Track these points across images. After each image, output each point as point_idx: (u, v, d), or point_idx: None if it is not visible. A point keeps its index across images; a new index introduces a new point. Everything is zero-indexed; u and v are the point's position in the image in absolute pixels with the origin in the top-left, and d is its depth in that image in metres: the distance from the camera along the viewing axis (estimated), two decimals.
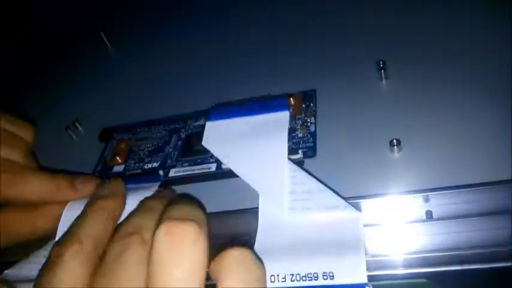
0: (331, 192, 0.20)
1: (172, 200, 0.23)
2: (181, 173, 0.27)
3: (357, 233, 0.18)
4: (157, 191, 0.25)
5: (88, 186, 0.25)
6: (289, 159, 0.23)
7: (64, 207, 0.24)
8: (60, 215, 0.24)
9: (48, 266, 0.18)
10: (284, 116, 0.24)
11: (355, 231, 0.18)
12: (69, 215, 0.24)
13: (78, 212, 0.23)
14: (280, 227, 0.19)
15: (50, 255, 0.18)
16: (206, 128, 0.26)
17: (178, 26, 0.42)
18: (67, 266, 0.18)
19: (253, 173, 0.22)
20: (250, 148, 0.23)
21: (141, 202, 0.22)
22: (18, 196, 0.23)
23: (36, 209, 0.24)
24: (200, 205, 0.24)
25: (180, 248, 0.16)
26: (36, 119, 0.37)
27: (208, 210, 0.24)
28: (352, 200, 0.21)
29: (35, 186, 0.23)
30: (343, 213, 0.19)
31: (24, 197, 0.23)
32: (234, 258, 0.16)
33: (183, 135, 0.30)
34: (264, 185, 0.21)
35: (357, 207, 0.20)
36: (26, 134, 0.25)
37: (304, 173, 0.22)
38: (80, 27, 0.49)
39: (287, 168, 0.21)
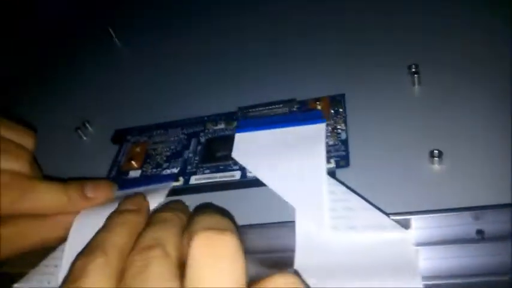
0: (375, 209, 0.19)
1: (185, 210, 0.22)
2: (203, 181, 0.26)
3: (408, 256, 0.17)
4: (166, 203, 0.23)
5: (99, 194, 0.24)
6: None
7: (74, 216, 0.23)
8: (70, 224, 0.23)
9: (71, 279, 0.17)
10: (320, 128, 0.23)
11: (406, 253, 0.17)
12: (81, 224, 0.23)
13: (90, 221, 0.22)
14: (320, 247, 0.18)
15: (73, 268, 0.17)
16: (236, 140, 0.24)
17: (197, 21, 0.40)
18: (92, 279, 0.17)
19: (288, 188, 0.20)
20: (285, 161, 0.21)
21: (154, 213, 0.21)
22: (28, 210, 0.22)
23: (45, 219, 0.23)
24: (228, 214, 0.22)
25: (221, 262, 0.15)
26: (44, 119, 0.36)
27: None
28: (394, 217, 0.20)
29: (46, 199, 0.22)
30: (391, 234, 0.18)
31: (35, 210, 0.22)
32: (281, 285, 0.14)
33: (202, 140, 0.29)
34: (301, 201, 0.20)
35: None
36: (27, 141, 0.24)
37: (344, 189, 0.20)
38: (86, 23, 0.47)
39: (326, 183, 0.20)
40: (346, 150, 0.24)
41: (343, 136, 0.25)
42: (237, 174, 0.25)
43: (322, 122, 0.23)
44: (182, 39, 0.39)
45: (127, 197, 0.23)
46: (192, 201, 0.25)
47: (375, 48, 0.30)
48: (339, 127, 0.26)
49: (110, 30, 0.42)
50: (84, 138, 0.33)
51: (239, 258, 0.15)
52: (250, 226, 0.23)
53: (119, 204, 0.22)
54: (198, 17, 0.41)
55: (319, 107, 0.27)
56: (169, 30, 0.41)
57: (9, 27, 0.50)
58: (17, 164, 0.22)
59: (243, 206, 0.24)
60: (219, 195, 0.25)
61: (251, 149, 0.23)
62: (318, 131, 0.22)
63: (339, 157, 0.24)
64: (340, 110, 0.27)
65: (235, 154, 0.24)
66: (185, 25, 0.40)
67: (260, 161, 0.22)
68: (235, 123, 0.29)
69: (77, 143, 0.33)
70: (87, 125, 0.34)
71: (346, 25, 0.33)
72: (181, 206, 0.23)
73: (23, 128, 0.24)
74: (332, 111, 0.27)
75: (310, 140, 0.22)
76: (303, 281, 0.15)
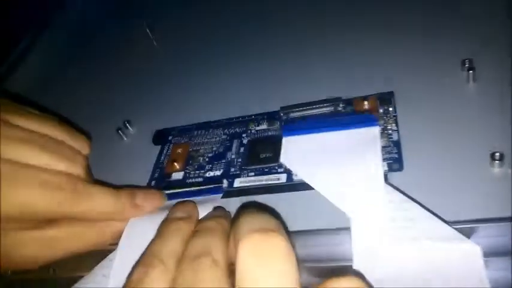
0: (437, 219, 0.18)
1: (227, 217, 0.22)
2: (248, 184, 0.25)
3: (476, 269, 0.16)
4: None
5: (150, 203, 0.24)
6: None
7: (123, 224, 0.23)
8: (118, 232, 0.23)
9: None
10: (374, 131, 0.21)
11: (473, 266, 0.16)
12: (131, 233, 0.23)
13: (140, 230, 0.23)
14: (380, 259, 0.17)
15: (132, 277, 0.18)
16: (283, 144, 0.24)
17: (236, 17, 0.40)
18: None
19: (342, 195, 0.20)
20: (337, 167, 0.21)
21: (198, 223, 0.21)
22: (81, 214, 0.22)
23: (95, 224, 0.23)
24: (274, 213, 0.22)
25: (271, 263, 0.15)
26: (85, 119, 0.36)
27: None
28: (455, 226, 0.18)
29: (98, 204, 0.22)
30: (456, 245, 0.17)
31: (88, 215, 0.22)
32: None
33: (245, 141, 0.28)
34: (357, 210, 0.19)
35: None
36: (83, 147, 0.24)
37: (403, 197, 0.19)
38: (124, 21, 0.47)
39: (384, 191, 0.19)
40: (399, 152, 0.23)
41: (395, 137, 0.24)
42: (282, 177, 0.25)
43: (376, 125, 0.22)
44: (223, 38, 0.38)
45: (178, 203, 0.23)
46: (236, 204, 0.25)
47: (425, 42, 0.29)
48: (389, 127, 0.25)
49: (148, 30, 0.42)
50: (125, 139, 0.34)
51: (290, 257, 0.15)
52: (298, 232, 0.22)
53: (171, 210, 0.22)
54: (239, 14, 0.40)
55: (366, 106, 0.26)
56: (210, 30, 0.40)
57: (43, 24, 0.51)
58: (73, 168, 0.22)
59: (289, 210, 0.23)
60: (264, 199, 0.25)
61: (300, 153, 0.22)
62: (372, 134, 0.21)
63: (391, 160, 0.23)
64: (390, 109, 0.26)
65: (283, 159, 0.23)
66: (226, 24, 0.40)
67: (311, 166, 0.21)
68: (277, 124, 0.28)
69: (118, 144, 0.33)
70: (128, 125, 0.34)
71: (393, 17, 0.32)
72: (223, 213, 0.23)
73: (80, 134, 0.25)
74: (381, 110, 0.26)
75: (364, 144, 0.21)
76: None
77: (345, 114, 0.25)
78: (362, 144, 0.21)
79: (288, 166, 0.23)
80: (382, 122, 0.25)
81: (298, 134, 0.23)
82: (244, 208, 0.24)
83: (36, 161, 0.21)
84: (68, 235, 0.22)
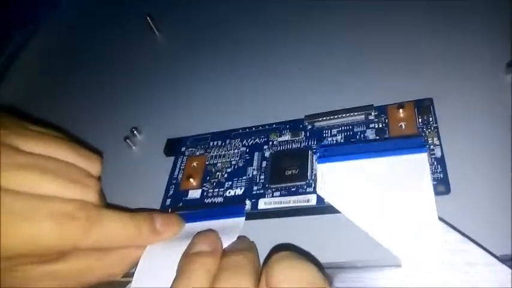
0: (501, 264, 0.16)
1: (254, 250, 0.21)
2: (273, 205, 0.23)
3: None
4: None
5: (170, 229, 0.22)
6: None
7: (141, 250, 0.21)
8: (137, 258, 0.21)
9: None
10: (422, 158, 0.19)
11: None
12: (148, 260, 0.22)
13: (158, 258, 0.21)
14: None
15: None
16: (319, 172, 0.21)
17: (258, 12, 0.36)
18: None
19: (390, 234, 0.17)
20: (383, 201, 0.18)
21: (226, 256, 0.20)
22: (96, 243, 0.20)
23: (111, 252, 0.21)
24: (313, 260, 0.20)
25: None
26: (89, 127, 0.34)
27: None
28: None
29: (116, 232, 0.20)
30: None
31: (103, 243, 0.20)
32: None
33: (267, 154, 0.26)
34: (409, 252, 0.16)
35: None
36: (94, 167, 0.22)
37: (461, 236, 0.17)
38: (123, 14, 0.44)
39: (439, 230, 0.17)
40: (444, 171, 0.21)
41: (438, 153, 0.21)
42: (312, 198, 0.22)
43: (424, 150, 0.19)
44: (241, 35, 0.35)
45: (199, 234, 0.21)
46: (259, 226, 0.23)
47: (465, 42, 0.26)
48: (430, 141, 0.22)
49: (151, 23, 0.39)
50: (133, 147, 0.31)
51: None
52: (333, 265, 0.20)
53: (193, 242, 0.21)
54: (262, 9, 0.37)
55: (401, 115, 0.24)
56: (226, 25, 0.37)
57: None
58: (86, 193, 0.20)
59: (321, 236, 0.21)
60: (291, 222, 0.23)
61: (339, 183, 0.20)
62: (419, 162, 0.19)
63: (436, 181, 0.20)
64: (430, 118, 0.23)
65: (320, 190, 0.21)
66: (246, 19, 0.36)
67: (352, 200, 0.19)
68: (302, 134, 0.26)
69: (126, 154, 0.31)
70: (136, 132, 0.31)
71: (433, 16, 0.28)
72: (249, 245, 0.21)
73: (91, 153, 0.22)
74: (419, 120, 0.23)
75: (412, 173, 0.18)
76: None
77: (387, 139, 0.23)
78: (409, 173, 0.19)
79: (326, 199, 0.20)
80: (422, 135, 0.22)
81: (335, 161, 0.21)
82: (278, 251, 0.21)
83: (43, 189, 0.19)
84: (83, 267, 0.21)
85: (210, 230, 0.22)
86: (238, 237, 0.22)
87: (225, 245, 0.21)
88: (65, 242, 0.19)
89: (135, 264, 0.22)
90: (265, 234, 0.23)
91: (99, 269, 0.21)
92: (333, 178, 0.20)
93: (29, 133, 0.21)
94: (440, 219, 0.17)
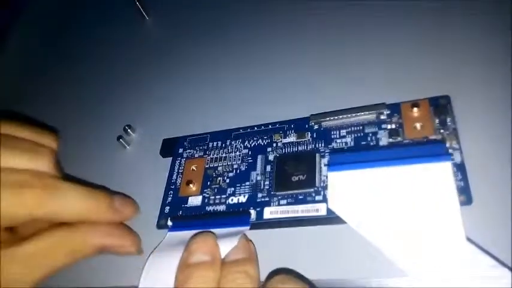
0: None
1: (253, 258, 0.20)
2: (280, 215, 0.22)
3: None
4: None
5: (127, 209, 0.23)
6: None
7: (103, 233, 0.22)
8: (101, 245, 0.21)
9: None
10: (445, 168, 0.17)
11: None
12: (153, 269, 0.21)
13: (162, 267, 0.21)
14: None
15: None
16: (330, 182, 0.19)
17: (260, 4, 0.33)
18: None
19: (411, 257, 0.16)
20: (403, 218, 0.17)
21: (225, 267, 0.19)
22: (51, 213, 0.19)
23: (75, 232, 0.21)
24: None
25: None
26: (80, 127, 0.32)
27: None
28: None
29: (71, 201, 0.20)
30: None
31: (58, 213, 0.20)
32: None
33: (271, 157, 0.24)
34: (429, 275, 0.15)
35: None
36: (49, 142, 0.21)
37: (492, 260, 0.15)
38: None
39: (466, 252, 0.15)
40: (465, 179, 0.19)
41: (458, 158, 0.20)
42: (322, 208, 0.21)
43: (447, 159, 0.18)
44: (242, 27, 0.32)
45: (196, 238, 0.21)
46: (264, 237, 0.22)
47: (484, 32, 0.24)
48: (448, 145, 0.20)
49: (140, 8, 0.36)
50: (127, 147, 0.29)
51: None
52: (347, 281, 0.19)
53: (189, 249, 0.20)
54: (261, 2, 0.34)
55: (416, 114, 0.22)
56: (225, 13, 0.34)
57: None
58: (39, 163, 0.20)
59: (331, 248, 0.20)
60: (298, 232, 0.21)
61: (351, 195, 0.18)
62: (442, 172, 0.17)
63: (456, 190, 0.19)
64: (448, 118, 0.21)
65: (332, 203, 0.19)
66: (247, 12, 0.33)
67: (365, 214, 0.17)
68: (308, 135, 0.24)
69: (120, 154, 0.29)
70: (129, 130, 0.30)
71: (446, 6, 0.26)
72: (249, 253, 0.20)
73: (44, 130, 0.22)
74: (436, 121, 0.21)
75: (434, 185, 0.17)
76: None
77: (403, 143, 0.21)
78: (430, 185, 0.17)
79: (339, 213, 0.19)
80: (439, 137, 0.21)
81: (347, 169, 0.19)
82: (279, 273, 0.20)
83: None
84: (49, 246, 0.20)
85: (206, 234, 0.21)
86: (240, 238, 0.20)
87: (225, 249, 0.20)
88: (20, 210, 0.18)
89: (100, 251, 0.21)
90: (271, 246, 0.21)
91: (62, 249, 0.20)
92: (345, 189, 0.18)
93: None
94: (468, 239, 0.16)
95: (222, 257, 0.20)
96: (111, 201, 0.22)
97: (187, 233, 0.22)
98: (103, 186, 0.26)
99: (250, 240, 0.21)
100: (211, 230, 0.22)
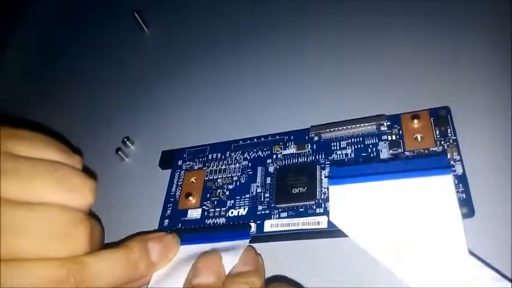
0: None
1: (260, 269, 0.20)
2: (280, 228, 0.21)
3: None
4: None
5: (166, 258, 0.21)
6: None
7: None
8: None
9: None
10: (446, 181, 0.17)
11: None
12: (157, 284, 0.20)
13: (166, 282, 0.20)
14: None
15: None
16: (331, 196, 0.19)
17: (254, 12, 0.33)
18: None
19: (415, 270, 0.16)
20: (406, 232, 0.17)
21: (229, 281, 0.19)
22: None
23: None
24: None
25: None
26: (77, 136, 0.32)
27: None
28: None
29: (110, 276, 0.18)
30: None
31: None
32: None
33: (271, 169, 0.24)
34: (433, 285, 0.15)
35: None
36: (77, 164, 0.19)
37: (495, 273, 0.15)
38: (112, 12, 0.41)
39: (469, 265, 0.15)
40: (467, 191, 0.19)
41: (459, 170, 0.20)
42: (323, 221, 0.21)
43: (448, 172, 0.17)
44: (237, 37, 0.32)
45: (203, 259, 0.20)
46: (264, 251, 0.21)
47: (483, 42, 0.24)
48: (450, 156, 0.20)
49: (140, 21, 0.37)
50: (126, 159, 0.29)
51: None
52: None
53: (195, 269, 0.19)
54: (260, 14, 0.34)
55: (416, 125, 0.22)
56: (224, 26, 0.34)
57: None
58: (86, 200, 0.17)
59: (333, 262, 0.20)
60: (299, 245, 0.21)
61: (353, 208, 0.18)
62: (444, 185, 0.17)
63: (458, 202, 0.19)
64: (448, 130, 0.21)
65: (334, 216, 0.19)
66: (247, 21, 0.33)
67: (367, 228, 0.17)
68: (308, 147, 0.24)
69: (118, 166, 0.29)
70: (128, 142, 0.29)
71: (443, 18, 0.26)
72: (255, 265, 0.20)
73: (70, 151, 0.20)
74: (437, 132, 0.21)
75: (435, 198, 0.17)
76: None
77: (404, 155, 0.21)
78: (433, 198, 0.17)
79: (340, 226, 0.19)
80: (440, 149, 0.21)
81: (349, 182, 0.19)
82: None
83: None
84: None
85: (212, 254, 0.20)
86: (246, 251, 0.20)
87: (229, 265, 0.20)
88: None
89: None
90: (272, 259, 0.21)
91: None
92: (346, 202, 0.18)
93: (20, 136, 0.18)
94: (471, 252, 0.16)
95: (227, 273, 0.20)
96: (147, 258, 0.19)
97: (188, 248, 0.22)
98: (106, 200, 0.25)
99: (259, 254, 0.21)
100: (211, 243, 0.22)
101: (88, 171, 0.19)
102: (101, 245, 0.20)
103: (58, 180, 0.17)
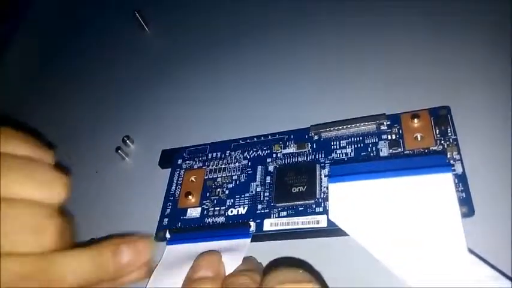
0: None
1: (258, 271, 0.20)
2: (280, 227, 0.21)
3: None
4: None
5: (137, 261, 0.19)
6: None
7: None
8: None
9: None
10: (446, 179, 0.17)
11: None
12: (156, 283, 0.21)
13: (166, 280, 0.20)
14: None
15: None
16: (331, 194, 0.19)
17: (254, 11, 0.33)
18: None
19: (409, 265, 0.16)
20: (401, 226, 0.17)
21: (228, 279, 0.19)
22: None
23: None
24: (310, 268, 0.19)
25: None
26: (77, 135, 0.32)
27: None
28: None
29: (75, 278, 0.17)
30: None
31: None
32: None
33: (271, 168, 0.24)
34: (431, 286, 0.15)
35: None
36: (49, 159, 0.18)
37: (494, 272, 0.15)
38: (113, 12, 0.41)
39: (468, 263, 0.15)
40: (467, 190, 0.19)
41: (459, 169, 0.20)
42: (322, 220, 0.21)
43: (447, 170, 0.17)
44: (238, 38, 0.32)
45: (202, 257, 0.20)
46: (264, 250, 0.21)
47: (483, 42, 0.24)
48: (449, 155, 0.20)
49: (141, 21, 0.37)
50: (126, 158, 0.29)
51: None
52: None
53: (194, 266, 0.20)
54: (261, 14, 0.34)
55: (416, 125, 0.22)
56: (224, 25, 0.34)
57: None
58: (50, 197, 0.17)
59: (332, 260, 0.20)
60: (299, 244, 0.21)
61: (352, 206, 0.18)
62: (443, 183, 0.17)
63: (458, 201, 0.18)
64: (448, 129, 0.21)
65: (333, 215, 0.19)
66: (243, 23, 0.33)
67: (366, 226, 0.17)
68: (308, 146, 0.24)
69: (118, 165, 0.29)
70: (128, 141, 0.29)
71: (443, 18, 0.26)
72: (253, 266, 0.20)
73: (42, 145, 0.19)
74: (437, 131, 0.21)
75: (434, 197, 0.17)
76: None
77: (404, 154, 0.21)
78: (433, 197, 0.17)
79: (339, 225, 0.19)
80: (439, 148, 0.21)
81: (348, 180, 0.19)
82: (274, 263, 0.20)
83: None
84: None
85: (212, 252, 0.20)
86: (245, 258, 0.20)
87: (230, 266, 0.20)
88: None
89: None
90: (271, 258, 0.21)
91: None
92: (346, 200, 0.18)
93: None
94: (470, 251, 0.16)
95: (227, 273, 0.20)
96: (117, 258, 0.18)
97: (187, 247, 0.22)
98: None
99: (260, 263, 0.21)
100: (211, 242, 0.22)
101: (61, 167, 0.18)
102: (73, 242, 0.20)
103: (28, 175, 0.17)
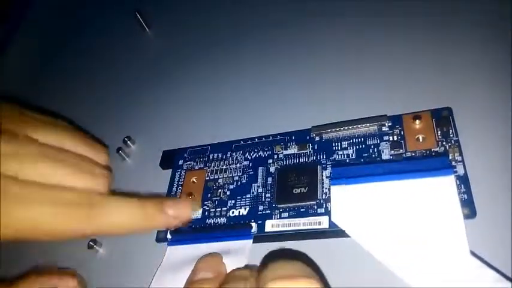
0: None
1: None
2: (281, 228, 0.21)
3: None
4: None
5: (181, 212, 0.21)
6: None
7: None
8: None
9: None
10: (448, 181, 0.17)
11: None
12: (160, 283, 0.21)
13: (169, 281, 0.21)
14: None
15: None
16: (333, 196, 0.19)
17: (255, 11, 0.33)
18: None
19: (412, 268, 0.16)
20: (403, 229, 0.17)
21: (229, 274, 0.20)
22: (100, 231, 0.19)
23: None
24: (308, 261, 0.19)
25: None
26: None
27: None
28: None
29: (122, 217, 0.19)
30: None
31: (109, 230, 0.19)
32: None
33: (272, 169, 0.24)
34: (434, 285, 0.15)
35: None
36: (102, 158, 0.21)
37: (496, 274, 0.15)
38: (113, 12, 0.41)
39: (471, 266, 0.15)
40: (469, 192, 0.19)
41: (461, 171, 0.20)
42: (324, 221, 0.21)
43: (449, 172, 0.17)
44: (238, 38, 0.32)
45: (204, 259, 0.20)
46: (264, 250, 0.21)
47: (484, 43, 0.24)
48: (451, 157, 0.20)
49: (141, 21, 0.37)
50: (127, 158, 0.29)
51: None
52: None
53: (196, 267, 0.20)
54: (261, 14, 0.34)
55: (418, 126, 0.22)
56: (225, 25, 0.34)
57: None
58: (97, 185, 0.19)
59: (334, 262, 0.20)
60: (300, 246, 0.21)
61: (355, 208, 0.18)
62: (446, 185, 0.17)
63: (460, 202, 0.18)
64: (450, 131, 0.21)
65: (336, 217, 0.19)
66: (244, 23, 0.33)
67: (368, 228, 0.17)
68: (310, 147, 0.24)
69: (119, 166, 0.29)
70: (129, 142, 0.29)
71: (444, 18, 0.26)
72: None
73: (98, 144, 0.22)
74: (438, 132, 0.21)
75: (436, 199, 0.17)
76: None
77: (406, 156, 0.21)
78: (435, 199, 0.17)
79: (341, 226, 0.19)
80: (441, 149, 0.21)
81: (350, 183, 0.19)
82: (272, 255, 0.21)
83: (55, 179, 0.18)
84: None
85: (213, 254, 0.21)
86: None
87: (230, 266, 0.20)
88: (66, 229, 0.18)
89: None
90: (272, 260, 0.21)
91: None
92: (348, 202, 0.18)
93: (39, 123, 0.20)
94: (472, 253, 0.16)
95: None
96: (161, 208, 0.20)
97: (189, 248, 0.22)
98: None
99: None
100: (212, 243, 0.22)
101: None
102: None
103: (82, 170, 0.19)
